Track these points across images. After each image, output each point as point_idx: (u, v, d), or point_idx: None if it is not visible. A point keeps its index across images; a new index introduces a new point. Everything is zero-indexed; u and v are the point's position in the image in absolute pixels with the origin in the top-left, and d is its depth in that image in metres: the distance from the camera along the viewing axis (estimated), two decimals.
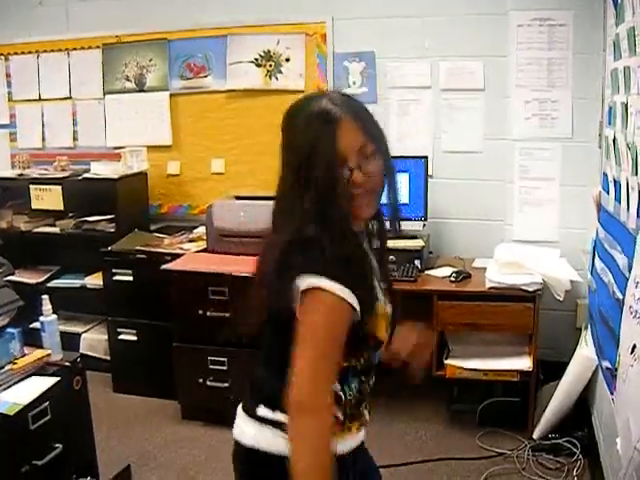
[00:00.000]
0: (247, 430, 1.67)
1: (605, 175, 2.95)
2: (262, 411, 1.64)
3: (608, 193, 2.84)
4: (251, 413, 1.67)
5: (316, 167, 1.51)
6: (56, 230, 4.64)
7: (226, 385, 3.82)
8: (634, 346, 2.06)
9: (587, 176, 3.78)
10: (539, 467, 3.45)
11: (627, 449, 2.10)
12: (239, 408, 1.73)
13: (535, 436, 3.62)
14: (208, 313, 3.77)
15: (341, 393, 1.64)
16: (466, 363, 3.70)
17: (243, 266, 3.69)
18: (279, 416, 1.59)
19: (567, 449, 3.51)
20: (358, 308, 1.53)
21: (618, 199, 2.56)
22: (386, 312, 1.71)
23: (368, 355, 1.68)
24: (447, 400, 4.03)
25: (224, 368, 3.83)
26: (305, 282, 1.49)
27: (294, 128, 1.60)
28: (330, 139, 1.52)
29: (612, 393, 2.50)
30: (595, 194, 3.18)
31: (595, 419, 3.50)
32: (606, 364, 2.68)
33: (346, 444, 1.67)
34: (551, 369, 3.77)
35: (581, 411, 3.61)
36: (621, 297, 2.35)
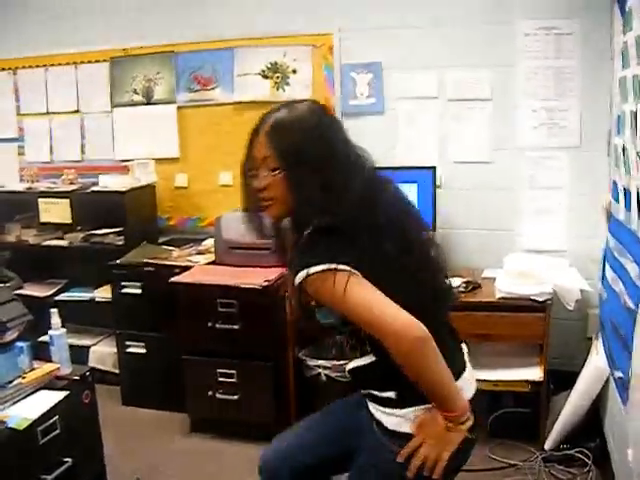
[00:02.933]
0: None
1: (615, 183, 2.95)
2: None
3: (618, 202, 2.83)
4: None
5: None
6: (64, 243, 4.64)
7: (236, 397, 3.80)
8: None
9: (596, 185, 3.77)
10: (551, 478, 3.42)
11: (639, 459, 2.08)
12: None
13: (546, 447, 3.59)
14: (217, 325, 3.76)
15: None
16: (477, 374, 3.67)
17: (252, 278, 3.69)
18: None
19: (579, 460, 3.48)
20: None
21: (628, 207, 2.55)
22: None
23: None
24: None
25: (234, 380, 3.81)
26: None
27: None
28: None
29: (624, 403, 2.49)
30: (605, 203, 3.17)
31: (607, 429, 3.47)
32: (618, 374, 2.66)
33: None
34: (562, 379, 3.75)
35: (593, 421, 3.58)
36: (633, 306, 2.34)
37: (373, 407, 1.93)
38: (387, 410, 1.89)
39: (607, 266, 3.15)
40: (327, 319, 1.87)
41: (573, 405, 3.52)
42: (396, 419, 1.87)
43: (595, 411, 3.58)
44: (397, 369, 1.76)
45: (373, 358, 1.90)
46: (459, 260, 4.15)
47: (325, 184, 1.76)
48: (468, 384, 2.09)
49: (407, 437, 1.85)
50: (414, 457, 1.81)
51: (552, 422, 3.61)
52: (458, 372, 2.01)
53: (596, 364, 3.41)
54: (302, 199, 1.78)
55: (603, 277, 3.32)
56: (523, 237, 4.10)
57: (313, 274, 1.71)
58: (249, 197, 1.89)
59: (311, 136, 1.81)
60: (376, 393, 1.91)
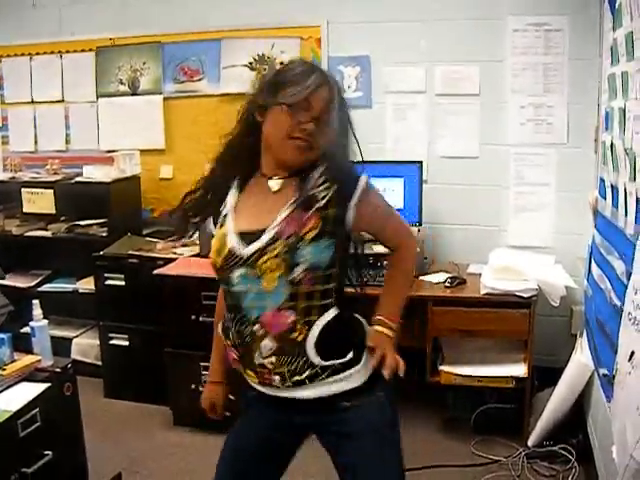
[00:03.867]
0: None
1: (602, 180, 2.94)
2: None
3: (605, 199, 2.83)
4: None
5: None
6: (48, 234, 4.60)
7: None
8: (632, 353, 2.04)
9: (582, 182, 3.77)
10: (534, 474, 3.43)
11: (623, 457, 2.08)
12: None
13: (530, 443, 3.59)
14: (201, 318, 3.73)
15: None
16: (461, 369, 3.68)
17: None
18: None
19: (562, 456, 3.49)
20: None
21: (616, 205, 2.55)
22: (223, 240, 1.87)
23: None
24: (441, 407, 4.00)
25: None
26: None
27: None
28: None
29: (609, 400, 2.48)
30: (592, 199, 3.16)
31: (590, 426, 3.48)
32: (603, 371, 2.66)
33: None
34: (546, 375, 3.75)
35: (576, 418, 3.59)
36: (619, 304, 2.33)
37: (335, 385, 1.86)
38: (352, 372, 1.87)
39: (593, 263, 3.14)
40: (314, 256, 1.78)
41: (557, 401, 3.52)
42: (359, 374, 1.89)
43: (579, 408, 3.59)
44: (350, 317, 1.95)
45: (337, 310, 1.86)
46: (444, 255, 4.16)
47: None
48: None
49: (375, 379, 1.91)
50: (384, 368, 1.86)
51: (536, 418, 3.62)
52: None
53: (580, 361, 3.42)
54: (339, 155, 1.90)
55: (589, 274, 3.32)
56: (509, 233, 4.10)
57: (371, 189, 1.90)
58: (284, 133, 1.81)
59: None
60: (340, 361, 1.85)
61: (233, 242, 1.84)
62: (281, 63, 3.78)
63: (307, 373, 1.82)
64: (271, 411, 1.96)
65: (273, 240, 1.77)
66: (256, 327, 1.81)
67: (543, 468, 3.47)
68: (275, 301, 1.79)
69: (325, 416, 1.91)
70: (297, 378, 1.82)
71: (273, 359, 1.82)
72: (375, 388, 1.91)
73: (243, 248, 1.81)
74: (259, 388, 1.92)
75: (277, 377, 1.83)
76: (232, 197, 1.97)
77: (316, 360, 1.81)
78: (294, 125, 1.80)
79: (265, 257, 1.77)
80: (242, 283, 1.82)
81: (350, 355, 1.86)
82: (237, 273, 1.82)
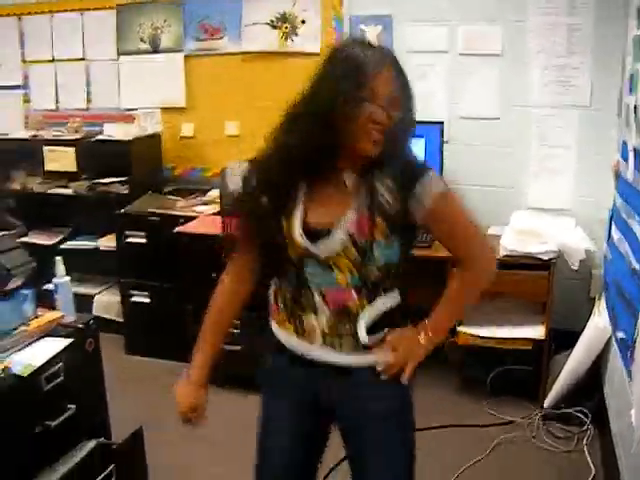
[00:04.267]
0: None
1: (625, 144, 2.92)
2: None
3: (627, 162, 2.81)
4: None
5: None
6: (69, 192, 4.63)
7: (238, 348, 3.82)
8: None
9: (605, 145, 3.74)
10: (549, 436, 3.46)
11: None
12: None
13: (546, 405, 3.62)
14: (222, 276, 3.76)
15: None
16: (479, 330, 3.69)
17: None
18: None
19: (577, 418, 3.51)
20: None
21: (638, 168, 2.53)
22: (290, 234, 1.82)
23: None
24: (459, 367, 4.02)
25: (237, 331, 3.83)
26: None
27: None
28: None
29: (627, 364, 2.49)
30: (614, 163, 3.14)
31: (606, 389, 3.49)
32: (620, 335, 2.67)
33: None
34: (564, 338, 3.76)
35: (592, 381, 3.60)
36: (638, 268, 2.33)
37: (365, 357, 1.89)
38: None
39: (613, 227, 3.13)
40: (386, 257, 1.81)
41: (573, 364, 3.53)
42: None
43: (595, 371, 3.60)
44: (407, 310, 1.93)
45: (399, 298, 1.92)
46: None
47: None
48: None
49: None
50: (388, 370, 1.87)
51: (552, 381, 3.63)
52: None
53: (598, 324, 3.42)
54: (405, 147, 1.90)
55: (609, 237, 3.31)
56: (530, 195, 4.07)
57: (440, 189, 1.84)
58: (361, 125, 1.75)
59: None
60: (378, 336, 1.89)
61: (302, 241, 1.81)
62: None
63: (348, 344, 1.86)
64: (299, 386, 1.97)
65: (343, 242, 1.79)
66: (318, 299, 1.85)
67: (558, 430, 3.50)
68: (345, 286, 1.83)
69: (350, 390, 1.92)
70: (336, 344, 1.87)
71: (326, 327, 1.85)
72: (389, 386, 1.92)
73: (311, 244, 1.81)
74: (300, 348, 1.92)
75: (320, 338, 1.87)
76: (301, 191, 1.86)
77: (363, 338, 1.85)
78: (384, 118, 1.77)
79: (337, 257, 1.80)
80: (314, 273, 1.84)
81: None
82: (309, 264, 1.84)
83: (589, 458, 3.25)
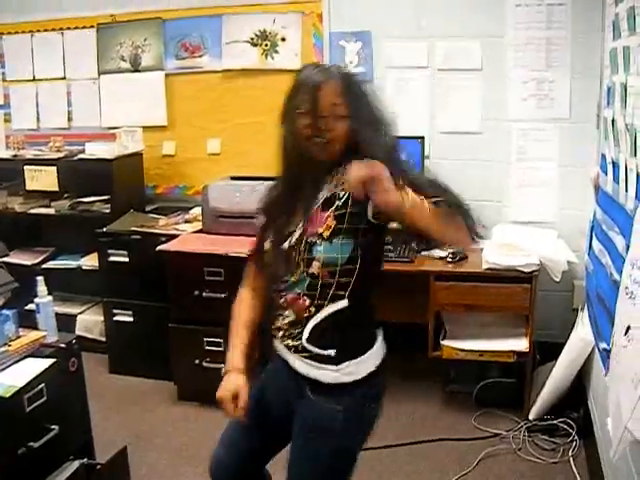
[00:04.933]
0: None
1: (603, 156, 2.94)
2: None
3: (606, 174, 2.82)
4: None
5: None
6: (51, 211, 4.62)
7: (222, 366, 3.80)
8: (628, 327, 2.06)
9: (585, 157, 3.77)
10: (535, 448, 3.46)
11: (618, 428, 2.10)
12: None
13: (531, 417, 3.62)
14: (204, 294, 3.76)
15: None
16: (463, 344, 3.70)
17: (239, 247, 3.68)
18: None
19: (563, 430, 3.52)
20: None
21: (617, 180, 2.55)
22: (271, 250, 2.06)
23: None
24: (443, 381, 4.04)
25: (220, 349, 3.82)
26: None
27: None
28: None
29: (606, 373, 2.50)
30: (593, 175, 3.16)
31: (591, 400, 3.50)
32: (603, 345, 2.68)
33: None
34: (547, 350, 3.78)
35: (577, 392, 3.62)
36: (619, 279, 2.35)
37: (307, 367, 1.99)
38: (325, 366, 1.97)
39: (594, 238, 3.15)
40: (328, 255, 1.92)
41: (558, 376, 3.55)
42: (333, 374, 1.96)
43: (580, 382, 3.61)
44: (359, 315, 2.01)
45: (346, 303, 1.96)
46: None
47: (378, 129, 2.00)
48: None
49: (342, 391, 1.97)
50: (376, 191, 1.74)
51: (537, 393, 3.65)
52: None
53: (581, 335, 3.44)
54: (364, 139, 1.94)
55: (590, 249, 3.33)
56: (511, 208, 4.10)
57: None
58: (302, 136, 1.94)
59: (369, 89, 2.05)
60: (317, 351, 1.97)
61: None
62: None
63: (299, 347, 1.99)
64: (279, 384, 2.10)
65: (299, 239, 1.97)
66: (282, 301, 2.01)
67: (544, 441, 3.50)
68: (299, 288, 1.97)
69: (297, 397, 2.03)
70: (293, 347, 2.00)
71: (286, 326, 2.01)
72: (352, 404, 1.99)
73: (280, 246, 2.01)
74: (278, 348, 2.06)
75: (280, 332, 2.04)
76: None
77: (304, 340, 1.98)
78: (308, 127, 1.92)
79: (294, 254, 1.97)
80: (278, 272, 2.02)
81: (330, 352, 1.96)
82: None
83: (575, 469, 3.26)
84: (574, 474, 3.23)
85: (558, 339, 3.73)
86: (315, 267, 1.93)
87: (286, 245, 1.99)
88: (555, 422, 3.55)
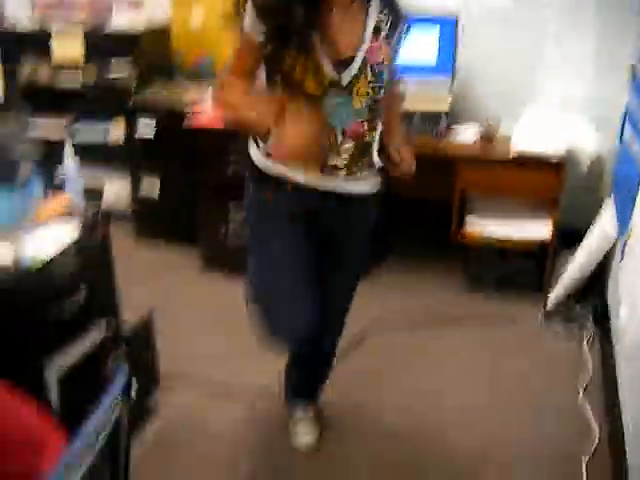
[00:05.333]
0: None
1: None
2: None
3: None
4: None
5: None
6: (77, 81, 4.57)
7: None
8: None
9: (624, 44, 3.64)
10: (550, 333, 3.52)
11: (632, 317, 2.12)
12: None
13: (549, 302, 3.66)
14: (231, 165, 3.76)
15: None
16: (486, 227, 3.70)
17: None
18: None
19: (579, 318, 3.56)
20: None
21: None
22: (320, 70, 1.97)
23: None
24: (464, 263, 4.06)
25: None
26: None
27: None
28: None
29: (620, 261, 2.51)
30: (631, 64, 3.08)
31: (609, 290, 3.53)
32: (625, 235, 2.68)
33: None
34: (570, 237, 3.77)
35: (596, 281, 3.64)
36: None
37: (372, 185, 2.27)
38: (377, 177, 2.28)
39: (626, 127, 3.10)
40: (388, 77, 2.10)
41: (579, 264, 3.56)
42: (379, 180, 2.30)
43: (600, 271, 3.62)
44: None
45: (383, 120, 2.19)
46: (476, 110, 4.07)
47: None
48: None
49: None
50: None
51: (557, 280, 3.67)
52: None
53: (605, 225, 3.43)
54: None
55: (621, 137, 3.28)
56: (544, 91, 4.00)
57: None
58: None
59: None
60: (377, 166, 2.25)
61: (331, 72, 1.98)
62: None
63: (366, 172, 2.20)
64: (307, 214, 2.21)
65: (363, 68, 2.01)
66: (340, 136, 2.07)
67: (560, 327, 3.55)
68: (359, 116, 2.07)
69: (349, 215, 2.26)
70: (358, 174, 2.17)
71: (347, 159, 2.11)
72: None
73: (339, 76, 1.99)
74: (311, 180, 2.14)
75: (343, 172, 2.14)
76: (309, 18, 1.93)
77: (376, 159, 2.21)
78: None
79: (358, 83, 2.02)
80: (335, 105, 2.02)
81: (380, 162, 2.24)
82: (332, 97, 2.01)
83: (589, 356, 3.31)
84: (587, 360, 3.29)
85: (582, 227, 3.72)
86: (381, 93, 2.07)
87: (348, 77, 2.01)
88: (572, 310, 3.59)
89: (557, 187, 3.50)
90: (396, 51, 2.11)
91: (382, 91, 2.07)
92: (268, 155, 2.11)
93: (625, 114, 3.21)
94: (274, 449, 2.76)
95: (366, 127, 2.10)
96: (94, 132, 4.70)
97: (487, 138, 3.67)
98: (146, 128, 4.20)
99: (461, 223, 3.74)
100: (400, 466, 2.65)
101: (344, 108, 2.04)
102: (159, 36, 4.56)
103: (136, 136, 4.23)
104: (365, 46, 1.99)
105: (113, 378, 1.47)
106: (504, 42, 4.00)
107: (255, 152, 2.20)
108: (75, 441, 1.27)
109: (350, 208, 2.23)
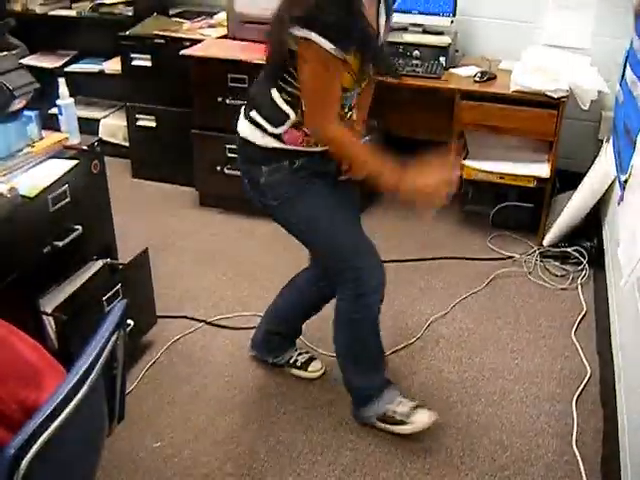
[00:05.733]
0: (243, 127, 2.27)
1: None
2: (253, 114, 2.23)
3: None
4: (246, 115, 2.26)
5: None
6: (72, 13, 4.48)
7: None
8: None
9: None
10: (545, 272, 3.54)
11: (631, 258, 2.13)
12: (241, 110, 2.31)
13: (545, 243, 3.68)
14: (227, 101, 3.72)
15: None
16: (484, 165, 3.69)
17: (264, 53, 3.60)
18: (262, 121, 2.19)
19: (575, 258, 3.58)
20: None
21: None
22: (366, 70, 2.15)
23: None
24: (461, 201, 4.06)
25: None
26: (300, 32, 1.94)
27: None
28: None
29: (618, 204, 2.51)
30: (636, 2, 3.02)
31: (605, 232, 3.54)
32: (624, 177, 2.67)
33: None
34: (568, 178, 3.77)
35: (592, 223, 3.65)
36: None
37: None
38: None
39: (628, 69, 3.06)
40: None
41: (575, 205, 3.56)
42: None
43: (596, 214, 3.63)
44: None
45: None
46: (476, 49, 4.03)
47: None
48: None
49: None
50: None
51: (553, 220, 3.68)
52: None
53: (603, 166, 3.41)
54: None
55: (622, 79, 3.25)
56: (546, 31, 3.92)
57: None
58: None
59: None
60: None
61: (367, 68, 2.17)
62: None
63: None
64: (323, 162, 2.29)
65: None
66: (348, 111, 2.27)
67: (555, 267, 3.57)
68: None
69: None
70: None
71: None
72: None
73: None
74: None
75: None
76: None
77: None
78: None
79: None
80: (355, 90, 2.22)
81: None
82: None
83: (582, 296, 3.35)
84: (581, 300, 3.32)
85: (580, 169, 3.71)
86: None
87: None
88: (568, 250, 3.60)
89: (556, 126, 3.47)
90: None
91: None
92: (280, 139, 2.19)
93: (627, 56, 3.17)
94: (268, 384, 2.80)
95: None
96: (90, 64, 4.63)
97: (486, 75, 3.63)
98: (143, 61, 4.13)
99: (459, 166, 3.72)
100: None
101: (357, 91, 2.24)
102: None
103: (132, 67, 4.16)
104: (382, 40, 2.21)
105: (110, 312, 1.48)
106: None
107: (261, 139, 2.22)
108: (71, 373, 1.29)
109: None
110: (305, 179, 2.24)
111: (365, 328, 2.40)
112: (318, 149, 2.23)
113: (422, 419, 2.45)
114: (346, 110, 2.24)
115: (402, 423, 2.45)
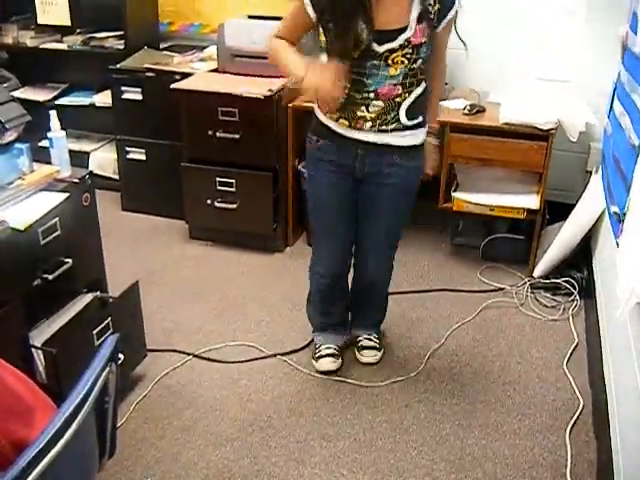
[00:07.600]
0: None
1: (635, 15, 2.83)
2: None
3: (636, 34, 2.73)
4: None
5: None
6: (63, 46, 4.50)
7: (234, 207, 3.85)
8: None
9: (614, 14, 3.61)
10: (536, 304, 3.54)
11: (629, 291, 2.12)
12: None
13: (535, 274, 3.68)
14: (218, 134, 3.74)
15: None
16: (474, 197, 3.70)
17: (254, 87, 3.64)
18: None
19: (565, 289, 3.58)
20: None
21: None
22: (359, 39, 2.33)
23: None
24: (452, 233, 4.07)
25: (232, 190, 3.85)
26: None
27: None
28: None
29: (617, 236, 2.52)
30: (622, 34, 3.06)
31: (595, 263, 3.55)
32: (614, 209, 2.68)
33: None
34: (558, 210, 3.79)
35: (582, 254, 3.66)
36: (637, 143, 2.32)
37: (402, 139, 2.55)
38: (417, 131, 2.58)
39: (616, 100, 3.09)
40: (425, 54, 2.42)
41: (565, 236, 3.57)
42: (422, 136, 2.62)
43: (586, 244, 3.64)
44: (426, 93, 2.56)
45: (425, 84, 2.52)
46: (465, 82, 4.06)
47: None
48: None
49: (419, 151, 2.65)
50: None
51: (543, 251, 3.68)
52: None
53: (593, 198, 3.43)
54: None
55: (610, 111, 3.27)
56: (533, 64, 3.97)
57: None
58: None
59: None
60: (412, 123, 2.54)
61: (367, 40, 2.33)
62: None
63: (393, 126, 2.51)
64: (340, 154, 2.59)
65: (405, 44, 2.35)
66: (372, 95, 2.44)
67: (546, 299, 3.58)
68: (394, 80, 2.43)
69: (379, 164, 2.59)
70: (384, 128, 2.51)
71: (374, 113, 2.48)
72: (420, 156, 2.66)
73: (377, 46, 2.34)
74: (345, 132, 2.54)
75: (369, 124, 2.50)
76: None
77: (403, 119, 2.51)
78: None
79: (395, 55, 2.36)
80: (372, 68, 2.39)
81: (421, 118, 2.56)
82: (369, 62, 2.38)
83: (574, 327, 3.34)
84: (572, 331, 3.32)
85: (569, 200, 3.74)
86: (417, 64, 2.40)
87: (385, 47, 2.35)
88: (558, 281, 3.60)
89: (545, 158, 3.49)
90: (448, 32, 2.48)
91: (419, 62, 2.40)
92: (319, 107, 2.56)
93: (615, 87, 3.20)
94: (258, 417, 2.77)
95: (400, 90, 2.44)
96: (81, 97, 4.65)
97: (475, 108, 3.66)
98: (133, 94, 4.15)
99: (449, 196, 3.73)
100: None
101: (379, 71, 2.39)
102: (145, 2, 4.50)
103: (123, 100, 4.17)
104: (410, 32, 2.33)
105: (100, 346, 1.46)
106: (494, 13, 3.96)
107: (316, 109, 2.61)
108: (62, 407, 1.27)
109: (380, 159, 2.57)
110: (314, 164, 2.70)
111: (312, 287, 3.01)
112: (333, 125, 2.54)
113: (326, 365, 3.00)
114: (370, 89, 2.43)
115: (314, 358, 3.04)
